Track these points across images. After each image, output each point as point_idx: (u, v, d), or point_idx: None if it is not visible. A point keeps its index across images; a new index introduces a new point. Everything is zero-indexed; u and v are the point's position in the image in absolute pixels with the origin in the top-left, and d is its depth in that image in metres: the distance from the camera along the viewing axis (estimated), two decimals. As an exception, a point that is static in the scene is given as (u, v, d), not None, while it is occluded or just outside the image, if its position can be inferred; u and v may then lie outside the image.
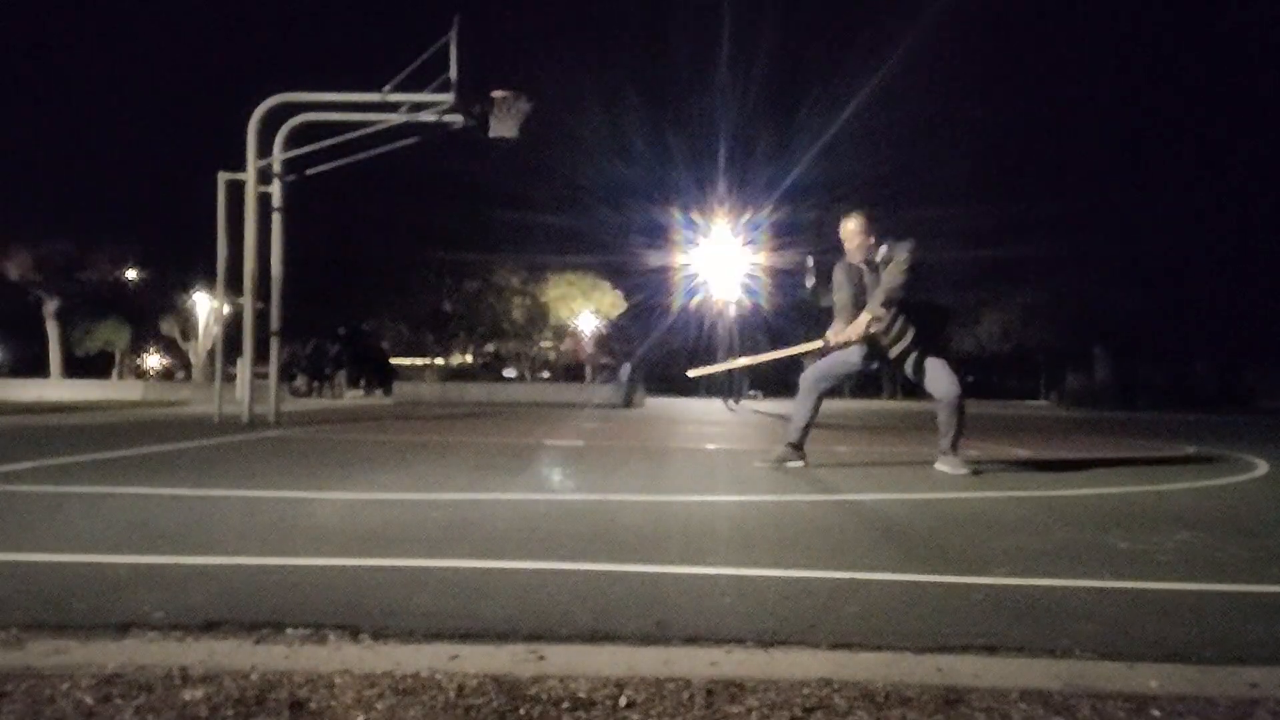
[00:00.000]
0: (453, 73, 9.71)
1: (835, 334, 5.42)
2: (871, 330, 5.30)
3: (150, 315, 44.01)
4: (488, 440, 7.88)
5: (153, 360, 55.66)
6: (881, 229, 5.38)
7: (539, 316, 48.39)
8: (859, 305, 5.35)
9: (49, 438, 7.15)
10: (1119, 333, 41.56)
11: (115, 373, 46.52)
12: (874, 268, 5.30)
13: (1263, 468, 5.90)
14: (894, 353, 5.35)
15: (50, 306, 40.14)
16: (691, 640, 1.72)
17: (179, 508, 3.40)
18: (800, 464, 5.36)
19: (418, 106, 10.05)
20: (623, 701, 1.41)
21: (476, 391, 26.53)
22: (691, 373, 6.41)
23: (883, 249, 5.29)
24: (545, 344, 51.62)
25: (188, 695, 1.40)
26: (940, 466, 5.21)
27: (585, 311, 49.24)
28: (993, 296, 46.20)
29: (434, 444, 7.20)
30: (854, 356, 5.48)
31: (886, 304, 5.22)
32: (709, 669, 1.56)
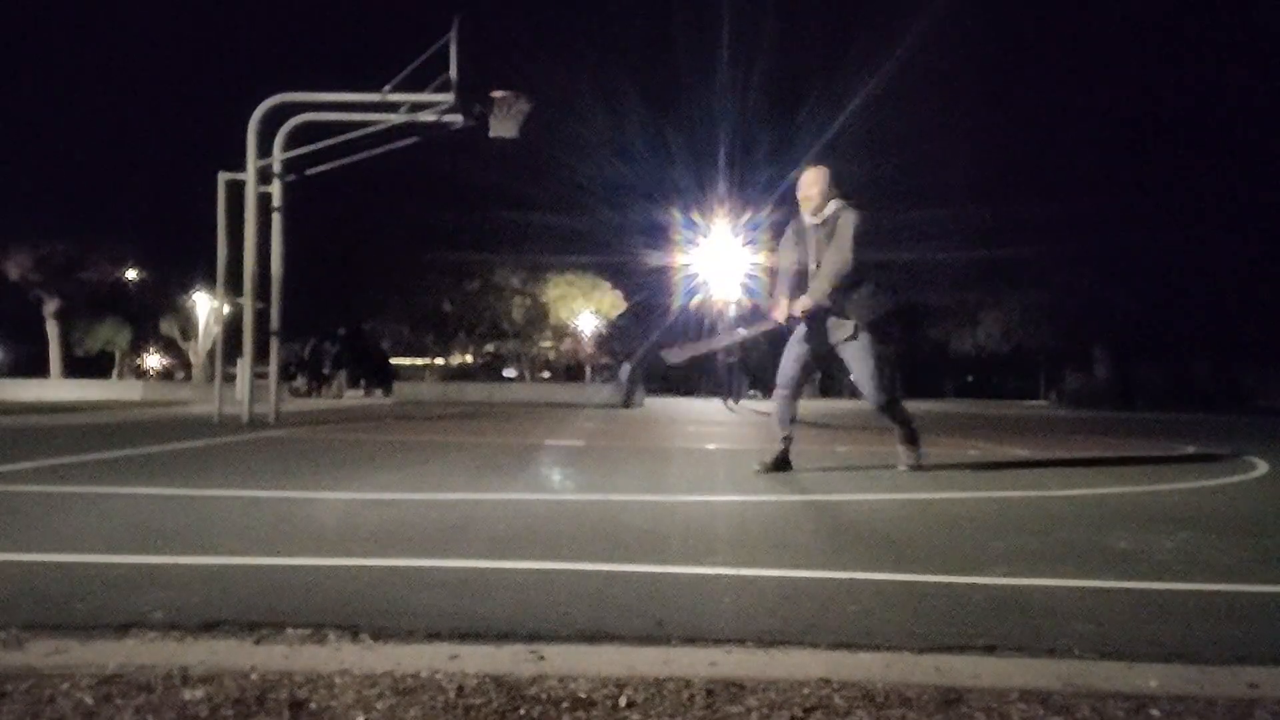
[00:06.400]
0: (453, 73, 9.71)
1: (774, 307, 5.08)
2: (806, 310, 4.92)
3: (150, 315, 44.00)
4: (487, 440, 7.88)
5: (153, 360, 55.64)
6: (843, 192, 5.02)
7: (539, 316, 48.39)
8: (802, 270, 5.05)
9: (49, 438, 7.15)
10: (1119, 333, 41.51)
11: (115, 373, 46.47)
12: (824, 228, 4.96)
13: (1262, 468, 5.90)
14: (835, 339, 5.00)
15: (50, 306, 40.13)
16: (691, 640, 1.72)
17: (179, 508, 3.40)
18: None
19: (418, 106, 10.05)
20: (623, 701, 1.41)
21: (476, 391, 26.50)
22: (670, 357, 5.70)
23: (831, 206, 4.96)
24: (545, 344, 51.59)
25: (188, 695, 1.40)
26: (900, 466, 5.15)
27: (585, 311, 49.23)
28: (992, 296, 46.16)
29: (434, 444, 7.20)
30: (803, 348, 5.09)
31: (833, 287, 4.86)
32: (709, 669, 1.56)
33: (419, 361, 51.74)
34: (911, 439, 5.22)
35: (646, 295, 46.79)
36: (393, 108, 10.07)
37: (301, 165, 10.76)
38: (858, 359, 5.00)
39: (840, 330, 4.98)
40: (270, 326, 10.77)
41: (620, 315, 50.25)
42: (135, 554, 2.46)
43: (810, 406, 27.35)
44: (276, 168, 10.50)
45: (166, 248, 40.13)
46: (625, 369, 26.80)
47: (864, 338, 4.96)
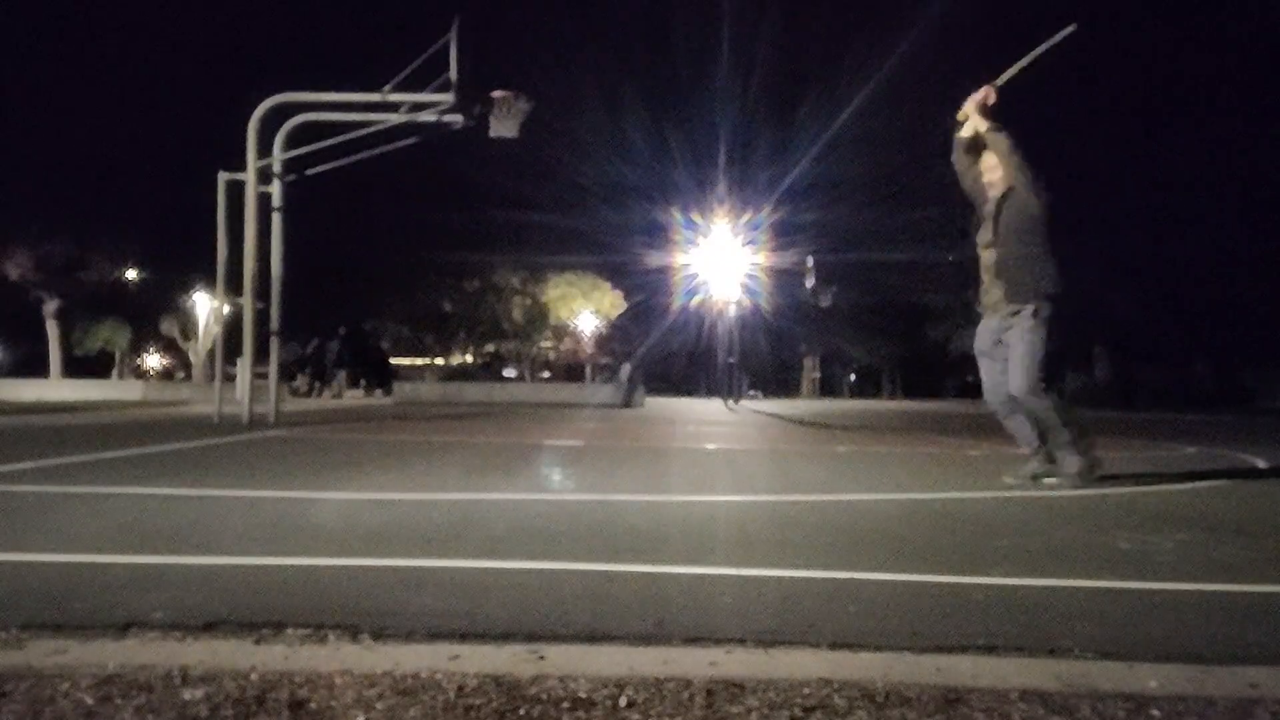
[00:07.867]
0: (453, 73, 9.72)
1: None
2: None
3: (150, 315, 43.98)
4: (487, 440, 7.87)
5: (153, 360, 55.61)
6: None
7: (539, 316, 48.36)
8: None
9: (49, 438, 7.15)
10: (1119, 333, 41.56)
11: (115, 373, 46.45)
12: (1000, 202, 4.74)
13: (1262, 468, 5.90)
14: (990, 304, 4.64)
15: (50, 306, 40.09)
16: (691, 640, 1.72)
17: (179, 508, 3.40)
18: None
19: (418, 106, 10.05)
20: (623, 701, 1.41)
21: (476, 391, 26.48)
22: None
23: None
24: (545, 344, 51.57)
25: (188, 695, 1.40)
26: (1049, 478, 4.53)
27: (585, 311, 49.21)
28: (992, 296, 46.16)
29: (434, 444, 7.20)
30: (988, 363, 4.77)
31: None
32: (709, 669, 1.56)
33: (419, 361, 51.72)
34: (1076, 444, 4.48)
35: (646, 295, 46.84)
36: (393, 108, 10.07)
37: (301, 165, 10.76)
38: (1013, 340, 4.55)
39: (1004, 308, 4.60)
40: (270, 326, 10.77)
41: (620, 315, 50.26)
42: (135, 554, 2.46)
43: (811, 407, 27.31)
44: (276, 168, 10.50)
45: (166, 248, 40.15)
46: (625, 369, 26.79)
47: (1029, 319, 4.55)
